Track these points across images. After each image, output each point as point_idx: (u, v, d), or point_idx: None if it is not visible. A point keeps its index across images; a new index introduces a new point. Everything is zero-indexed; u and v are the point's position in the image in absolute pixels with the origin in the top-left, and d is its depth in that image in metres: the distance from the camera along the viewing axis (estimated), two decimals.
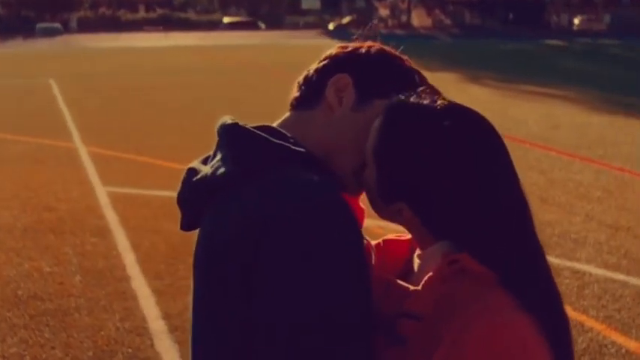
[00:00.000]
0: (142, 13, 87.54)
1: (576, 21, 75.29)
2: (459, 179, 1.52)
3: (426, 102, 1.57)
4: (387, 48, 1.73)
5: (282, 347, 1.46)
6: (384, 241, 1.77)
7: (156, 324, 5.57)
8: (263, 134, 1.61)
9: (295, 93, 1.72)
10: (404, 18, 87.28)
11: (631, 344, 5.35)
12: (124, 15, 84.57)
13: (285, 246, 1.47)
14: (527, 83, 19.30)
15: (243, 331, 1.53)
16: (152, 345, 5.27)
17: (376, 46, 1.72)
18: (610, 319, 5.72)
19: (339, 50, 1.73)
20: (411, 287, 1.57)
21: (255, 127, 1.64)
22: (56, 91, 21.51)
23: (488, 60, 28.75)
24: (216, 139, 1.67)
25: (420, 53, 24.72)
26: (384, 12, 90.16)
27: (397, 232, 1.72)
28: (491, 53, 36.79)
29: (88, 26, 74.94)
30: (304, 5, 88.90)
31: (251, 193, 1.52)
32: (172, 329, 5.48)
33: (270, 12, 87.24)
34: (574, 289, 6.23)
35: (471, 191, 1.52)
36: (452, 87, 17.83)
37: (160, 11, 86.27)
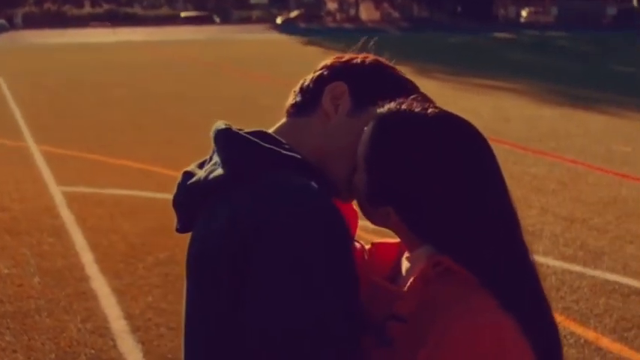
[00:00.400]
0: (87, 9, 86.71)
1: (524, 13, 76.11)
2: (448, 185, 1.55)
3: (416, 109, 1.60)
4: (381, 59, 1.77)
5: (275, 352, 1.48)
6: (373, 244, 1.80)
7: (118, 324, 5.55)
8: (254, 139, 1.63)
9: (291, 100, 1.75)
10: (352, 12, 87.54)
11: (589, 334, 5.45)
12: (70, 10, 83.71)
13: (277, 251, 1.50)
14: (477, 76, 19.48)
15: (234, 334, 1.55)
16: (115, 346, 5.24)
17: (371, 56, 1.76)
18: (568, 310, 5.82)
19: (335, 60, 1.76)
20: (397, 290, 1.60)
21: (248, 132, 1.66)
22: (4, 88, 21.25)
23: (436, 53, 28.96)
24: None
25: (368, 47, 25.22)
26: (332, 5, 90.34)
27: (390, 236, 1.76)
28: (439, 46, 37.04)
29: (33, 22, 74.00)
30: None
31: (243, 198, 1.55)
32: (134, 329, 5.46)
33: (218, 6, 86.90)
34: None
35: (459, 197, 1.55)
36: None
37: (106, 6, 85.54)
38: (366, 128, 1.62)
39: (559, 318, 5.70)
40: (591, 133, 13.15)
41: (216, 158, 1.64)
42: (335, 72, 1.73)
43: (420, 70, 20.24)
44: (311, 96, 1.72)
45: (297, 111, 1.73)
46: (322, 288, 1.49)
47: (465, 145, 1.58)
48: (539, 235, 7.55)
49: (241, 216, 1.52)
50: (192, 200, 1.66)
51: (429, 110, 1.59)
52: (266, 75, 17.26)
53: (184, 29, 38.84)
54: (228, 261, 1.53)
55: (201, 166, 1.71)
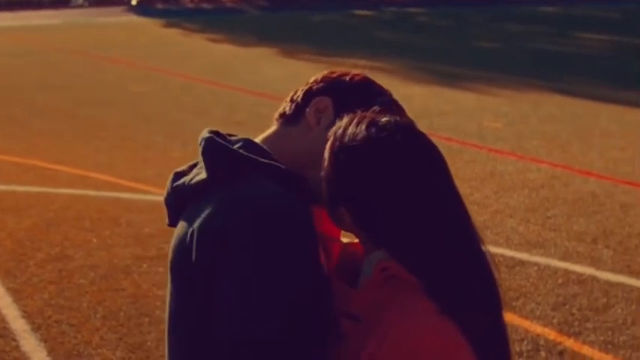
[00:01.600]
0: None
1: None
2: (394, 190, 1.69)
3: (373, 117, 1.75)
4: (369, 77, 1.93)
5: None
6: (345, 244, 1.95)
7: (17, 324, 5.54)
8: (232, 147, 1.78)
9: (281, 109, 1.92)
10: None
11: None
12: None
13: (239, 257, 1.65)
14: (344, 56, 19.71)
15: (206, 332, 1.70)
16: (18, 346, 5.25)
17: (361, 74, 1.92)
18: None
19: (325, 75, 1.92)
20: (350, 290, 1.76)
21: (236, 140, 1.81)
22: None
23: (301, 33, 29.10)
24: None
25: (230, 28, 24.41)
26: None
27: None
28: (302, 25, 37.16)
29: None
30: None
31: (215, 202, 1.71)
32: (35, 328, 5.47)
33: None
34: None
35: (406, 204, 1.69)
36: (270, 63, 18.07)
37: None
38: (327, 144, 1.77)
39: None
40: (462, 110, 13.58)
41: (201, 163, 1.79)
42: (323, 87, 1.89)
43: (287, 51, 20.38)
44: (298, 107, 1.88)
45: (284, 120, 1.91)
46: (284, 292, 1.64)
47: (414, 152, 1.72)
48: None
49: (207, 223, 1.69)
50: (177, 200, 1.83)
51: (384, 119, 1.73)
52: (131, 60, 17.13)
53: (39, 14, 37.87)
54: (199, 263, 1.68)
55: (192, 167, 1.86)
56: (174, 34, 22.21)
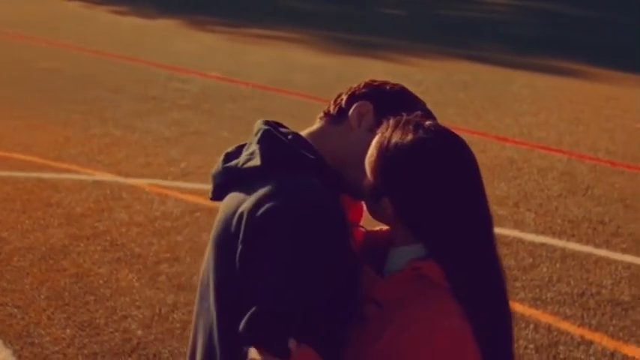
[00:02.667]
0: None
1: None
2: (438, 188, 1.95)
3: (417, 121, 2.01)
4: (406, 88, 2.23)
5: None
6: (369, 230, 2.22)
7: None
8: (286, 140, 2.06)
9: (326, 109, 2.20)
10: None
11: None
12: None
13: (282, 236, 1.92)
14: (254, 27, 19.81)
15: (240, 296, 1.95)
16: None
17: (399, 85, 2.22)
18: None
19: (368, 82, 2.23)
20: (379, 279, 2.01)
21: (287, 132, 2.09)
22: None
23: (205, 3, 29.05)
24: None
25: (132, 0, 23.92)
26: None
27: None
28: None
29: None
30: None
31: (266, 188, 1.96)
32: None
33: None
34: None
35: (445, 199, 1.95)
36: (178, 36, 18.04)
37: None
38: (373, 141, 2.03)
39: None
40: (379, 79, 13.87)
41: (252, 148, 2.06)
42: (365, 92, 2.18)
43: (194, 23, 20.33)
44: (341, 109, 2.16)
45: (329, 119, 2.18)
46: (314, 277, 1.91)
47: (453, 156, 1.99)
48: None
49: (259, 206, 1.94)
50: (226, 179, 2.09)
51: (426, 124, 2.00)
52: (36, 36, 16.95)
53: None
54: (245, 243, 1.94)
55: (239, 148, 2.13)
56: (77, 7, 21.94)
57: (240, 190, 2.02)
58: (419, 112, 2.10)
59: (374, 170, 2.01)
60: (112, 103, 11.48)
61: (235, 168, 2.08)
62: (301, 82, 13.59)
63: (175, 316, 5.55)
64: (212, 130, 10.22)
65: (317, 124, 2.22)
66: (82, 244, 6.60)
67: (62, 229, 6.92)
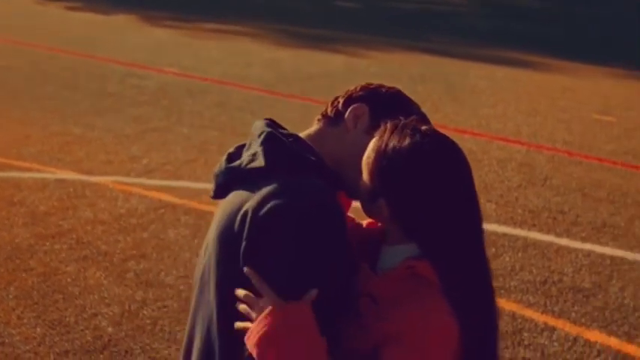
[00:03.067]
0: None
1: None
2: (434, 190, 2.05)
3: (414, 125, 2.10)
4: (401, 91, 2.31)
5: None
6: (359, 223, 2.35)
7: None
8: (289, 143, 2.16)
9: (323, 111, 2.30)
10: None
11: None
12: None
13: (286, 232, 2.02)
14: (208, 21, 19.82)
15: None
16: None
17: (395, 88, 2.30)
18: None
19: (364, 85, 2.31)
20: (375, 276, 2.11)
21: (287, 135, 2.19)
22: None
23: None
24: None
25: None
26: None
27: None
28: None
29: None
30: None
31: (270, 187, 2.06)
32: None
33: None
34: None
35: (441, 201, 2.04)
36: (133, 31, 18.03)
37: None
38: (371, 141, 2.12)
39: None
40: (333, 73, 13.98)
41: (254, 149, 2.15)
42: (361, 95, 2.27)
43: (148, 18, 20.31)
44: (338, 111, 2.26)
45: (326, 121, 2.28)
46: (319, 269, 2.01)
47: (447, 159, 2.08)
48: None
49: (263, 205, 2.03)
50: (228, 179, 2.19)
51: (422, 128, 2.09)
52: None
53: None
54: (249, 240, 2.03)
55: (239, 149, 2.23)
56: (29, 3, 21.80)
57: (244, 189, 2.11)
58: (415, 117, 2.18)
59: (371, 172, 2.10)
60: (69, 100, 11.46)
61: (238, 168, 2.17)
62: (259, 76, 13.65)
63: (145, 312, 5.61)
64: (172, 126, 10.26)
65: (315, 126, 2.31)
66: (47, 243, 6.63)
67: (27, 228, 6.94)
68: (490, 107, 11.76)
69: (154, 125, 10.29)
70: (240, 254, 2.04)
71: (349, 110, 2.26)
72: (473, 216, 2.10)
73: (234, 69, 14.11)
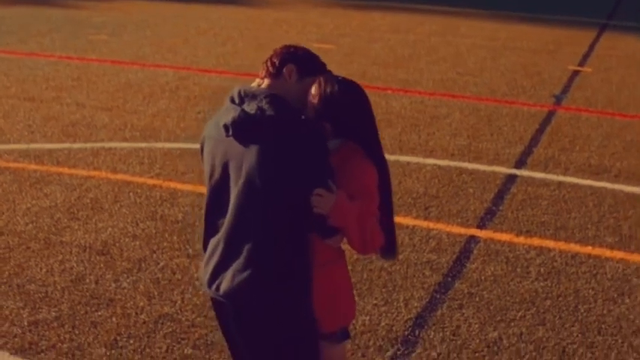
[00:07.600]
0: None
1: None
2: (356, 111, 3.42)
3: (337, 76, 3.44)
4: (308, 49, 3.50)
5: None
6: None
7: None
8: (284, 100, 3.25)
9: (265, 68, 3.39)
10: None
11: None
12: None
13: (303, 148, 3.18)
14: None
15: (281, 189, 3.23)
16: None
17: (305, 48, 3.48)
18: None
19: (285, 49, 3.44)
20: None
21: (268, 89, 3.32)
22: None
23: None
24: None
25: None
26: None
27: None
28: None
29: None
30: None
31: (283, 123, 3.20)
32: None
33: None
34: None
35: (363, 118, 3.43)
36: None
37: None
38: (313, 86, 3.37)
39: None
40: (69, 24, 14.22)
41: (254, 104, 3.22)
42: (287, 55, 3.40)
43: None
44: (277, 68, 3.37)
45: (272, 76, 3.37)
46: (329, 169, 3.24)
47: (360, 95, 3.44)
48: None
49: (281, 132, 3.18)
50: (248, 122, 3.22)
51: (340, 77, 3.42)
52: None
53: None
54: (275, 154, 3.18)
55: (237, 102, 3.28)
56: None
57: (260, 131, 3.16)
58: (331, 71, 3.45)
59: (318, 105, 3.34)
60: None
61: (255, 115, 3.17)
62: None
63: None
64: None
65: (266, 81, 3.33)
66: None
67: None
68: (221, 45, 12.91)
69: None
70: (280, 164, 3.15)
71: (285, 69, 3.33)
72: (373, 120, 3.50)
73: None
